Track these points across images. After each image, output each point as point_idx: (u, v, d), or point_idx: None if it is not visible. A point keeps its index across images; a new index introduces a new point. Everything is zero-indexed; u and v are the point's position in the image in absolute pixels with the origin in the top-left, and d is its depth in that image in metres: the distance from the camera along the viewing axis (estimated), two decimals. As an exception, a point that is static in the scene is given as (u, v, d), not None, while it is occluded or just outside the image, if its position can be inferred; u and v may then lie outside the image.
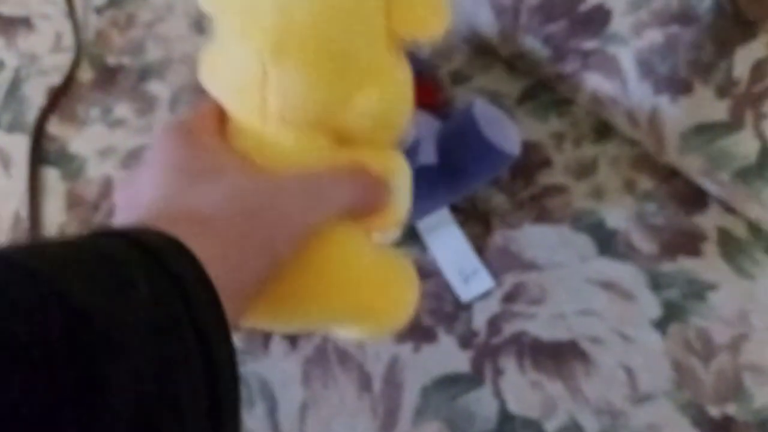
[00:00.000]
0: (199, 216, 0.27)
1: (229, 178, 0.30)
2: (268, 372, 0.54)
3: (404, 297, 0.36)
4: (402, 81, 0.33)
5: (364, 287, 0.34)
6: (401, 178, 0.35)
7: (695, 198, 0.59)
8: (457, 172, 0.52)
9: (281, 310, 0.32)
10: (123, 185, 0.34)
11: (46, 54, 0.73)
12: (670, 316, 0.54)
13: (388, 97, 0.32)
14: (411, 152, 0.47)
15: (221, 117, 0.34)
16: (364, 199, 0.33)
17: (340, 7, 0.29)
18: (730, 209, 0.58)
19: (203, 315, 0.23)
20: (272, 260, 0.29)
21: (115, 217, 0.32)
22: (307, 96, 0.30)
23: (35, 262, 0.20)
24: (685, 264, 0.56)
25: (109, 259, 0.22)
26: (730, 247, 0.56)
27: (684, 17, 0.52)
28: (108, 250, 0.23)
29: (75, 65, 0.72)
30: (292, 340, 0.55)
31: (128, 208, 0.31)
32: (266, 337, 0.55)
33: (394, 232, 0.39)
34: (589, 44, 0.58)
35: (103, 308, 0.20)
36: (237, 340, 0.56)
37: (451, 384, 0.53)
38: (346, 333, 0.37)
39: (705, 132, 0.53)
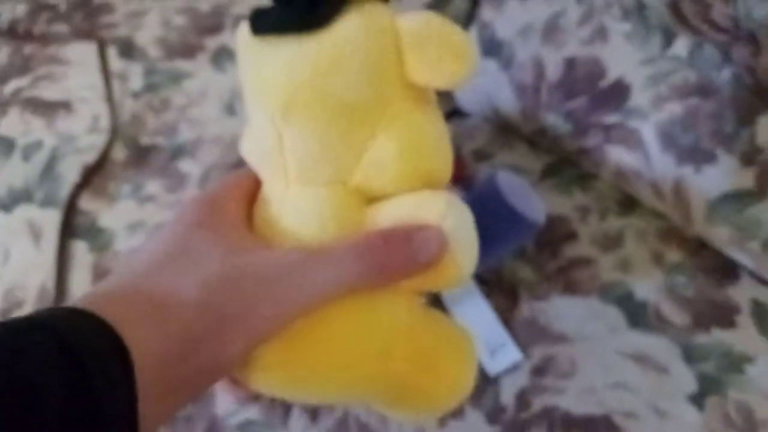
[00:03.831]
0: (162, 300, 0.27)
1: (208, 264, 0.28)
2: (288, 447, 0.53)
3: (454, 373, 0.32)
4: (424, 126, 0.30)
5: (399, 361, 0.30)
6: (454, 220, 0.29)
7: (726, 270, 0.58)
8: (483, 240, 0.51)
9: (296, 381, 0.30)
10: (136, 247, 0.34)
11: (82, 134, 0.76)
12: (706, 390, 0.52)
13: (405, 143, 0.29)
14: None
15: (249, 187, 0.33)
16: (382, 270, 0.29)
17: (343, 61, 0.28)
18: (762, 280, 0.57)
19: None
20: (225, 354, 0.27)
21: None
22: (319, 153, 0.30)
23: None
24: (720, 336, 0.54)
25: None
26: (766, 319, 0.54)
27: (703, 90, 0.54)
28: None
29: (109, 145, 0.74)
30: (313, 413, 0.54)
31: (117, 272, 0.30)
32: (286, 410, 0.54)
33: (460, 284, 0.32)
34: (611, 118, 0.59)
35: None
36: (256, 411, 0.55)
37: (479, 462, 0.51)
38: (391, 413, 0.34)
39: (732, 201, 0.53)
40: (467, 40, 0.28)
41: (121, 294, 0.27)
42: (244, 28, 0.31)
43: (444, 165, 0.31)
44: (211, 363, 0.27)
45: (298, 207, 0.30)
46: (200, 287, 0.27)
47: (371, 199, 0.31)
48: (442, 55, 0.28)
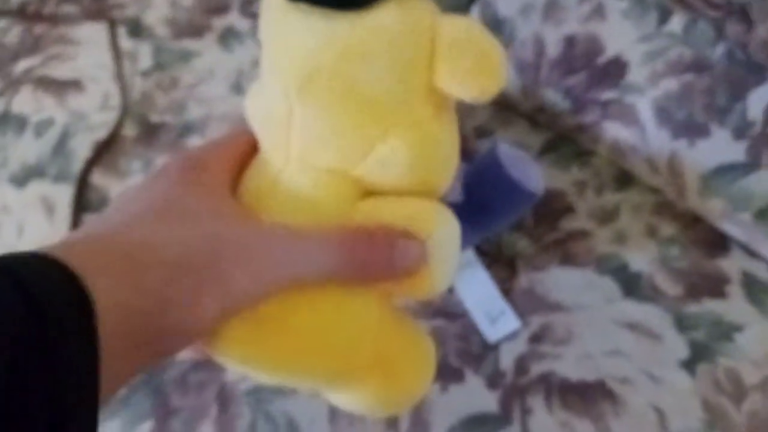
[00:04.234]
0: (137, 253, 0.26)
1: (192, 225, 0.28)
2: (295, 410, 0.55)
3: (411, 380, 0.32)
4: (439, 137, 0.29)
5: (361, 360, 0.30)
6: (441, 236, 0.29)
7: (717, 243, 0.59)
8: (483, 210, 0.54)
9: (256, 360, 0.30)
10: (118, 195, 0.32)
11: (93, 112, 0.78)
12: (698, 357, 0.54)
13: (418, 152, 0.28)
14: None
15: (239, 149, 0.32)
16: (360, 267, 0.29)
17: (374, 54, 0.27)
18: (752, 253, 0.58)
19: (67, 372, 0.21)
20: (197, 319, 0.26)
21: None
22: (328, 140, 0.29)
23: None
24: (710, 306, 0.56)
25: None
26: (755, 289, 0.56)
27: (698, 66, 0.55)
28: None
29: (120, 122, 0.76)
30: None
31: (93, 221, 0.30)
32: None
33: (431, 296, 0.32)
34: (608, 95, 0.60)
35: None
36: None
37: (479, 424, 0.53)
38: (341, 402, 0.33)
39: (724, 173, 0.55)
40: (503, 57, 0.27)
41: (93, 243, 0.26)
42: None
43: (449, 176, 0.31)
44: (180, 325, 0.26)
45: (294, 186, 0.30)
46: (181, 246, 0.26)
47: (368, 192, 0.30)
48: (476, 68, 0.27)
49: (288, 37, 0.28)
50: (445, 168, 0.30)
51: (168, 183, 0.30)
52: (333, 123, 0.28)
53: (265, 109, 0.30)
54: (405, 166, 0.28)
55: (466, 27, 0.27)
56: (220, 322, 0.27)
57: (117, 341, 0.23)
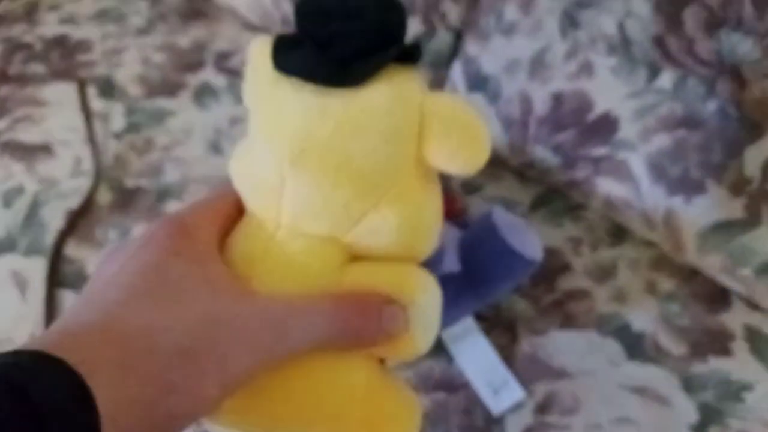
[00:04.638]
0: (135, 341, 0.25)
1: (189, 305, 0.27)
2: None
3: None
4: (426, 206, 0.31)
5: (350, 423, 0.31)
6: (424, 302, 0.31)
7: (718, 296, 0.59)
8: (481, 279, 0.52)
9: (247, 427, 0.31)
10: (102, 264, 0.31)
11: (65, 178, 0.75)
12: (708, 420, 0.52)
13: (407, 221, 0.30)
14: (435, 261, 0.48)
15: (224, 212, 0.32)
16: (353, 334, 0.30)
17: (367, 128, 0.28)
18: (753, 306, 0.58)
19: None
20: (199, 401, 0.26)
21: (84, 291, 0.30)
22: (320, 209, 0.29)
23: None
24: (717, 364, 0.55)
25: None
26: (760, 345, 0.55)
27: (690, 122, 0.55)
28: None
29: (93, 188, 0.73)
30: None
31: (85, 303, 0.29)
32: None
33: (411, 359, 0.32)
34: (599, 151, 0.60)
35: None
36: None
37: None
38: None
39: (723, 230, 0.54)
40: (487, 132, 0.29)
41: (88, 334, 0.25)
42: (263, 46, 0.30)
43: (433, 242, 0.32)
44: (183, 409, 0.26)
45: (286, 253, 0.30)
46: (179, 331, 0.26)
47: (357, 257, 0.31)
48: (463, 144, 0.28)
49: (280, 108, 0.29)
50: (430, 234, 0.31)
51: (158, 252, 0.29)
52: (325, 194, 0.29)
53: (256, 176, 0.31)
54: (394, 233, 0.30)
55: (453, 104, 0.29)
56: (222, 400, 0.27)
57: None
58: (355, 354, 0.31)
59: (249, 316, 0.28)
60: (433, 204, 0.31)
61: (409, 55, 0.29)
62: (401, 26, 0.29)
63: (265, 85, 0.30)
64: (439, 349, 0.57)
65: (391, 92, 0.28)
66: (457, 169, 0.29)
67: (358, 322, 0.29)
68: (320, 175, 0.29)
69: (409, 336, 0.30)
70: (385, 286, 0.30)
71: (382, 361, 0.33)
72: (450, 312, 0.54)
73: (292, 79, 0.28)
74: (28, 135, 0.80)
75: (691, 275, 0.60)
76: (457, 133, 0.28)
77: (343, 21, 0.28)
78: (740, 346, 0.56)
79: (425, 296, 0.31)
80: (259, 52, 0.30)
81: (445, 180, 0.69)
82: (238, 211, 0.32)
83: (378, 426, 0.31)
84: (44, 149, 0.78)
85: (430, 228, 0.31)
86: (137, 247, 0.30)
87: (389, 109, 0.28)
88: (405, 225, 0.30)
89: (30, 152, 0.78)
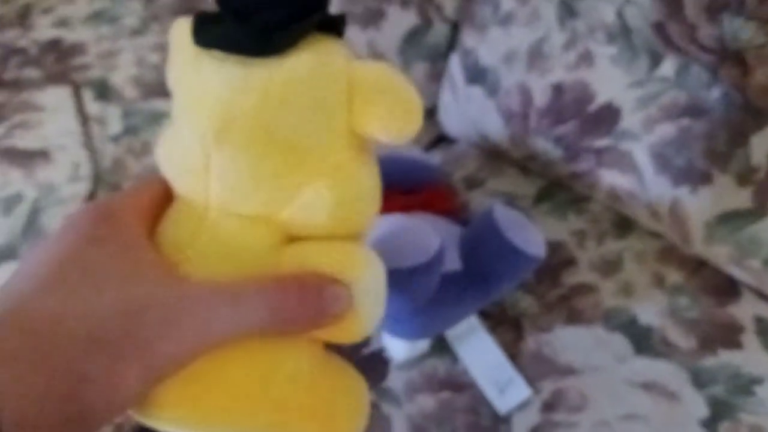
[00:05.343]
0: (46, 330, 0.24)
1: (108, 291, 0.26)
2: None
3: (346, 426, 0.31)
4: (361, 179, 0.30)
5: (295, 411, 0.29)
6: (367, 278, 0.29)
7: (727, 288, 0.57)
8: (484, 277, 0.51)
9: (188, 421, 0.29)
10: (24, 256, 0.30)
11: (64, 184, 0.74)
12: (718, 415, 0.51)
13: (343, 195, 0.29)
14: (436, 260, 0.47)
15: (152, 198, 0.31)
16: (291, 318, 0.28)
17: (292, 99, 0.27)
18: (764, 297, 0.56)
19: None
20: (118, 392, 0.25)
21: None
22: (250, 186, 0.28)
23: None
24: (727, 357, 0.54)
25: None
26: (771, 337, 0.54)
27: (694, 110, 0.53)
28: None
29: (92, 193, 0.72)
30: None
31: (1, 293, 0.27)
32: None
33: (359, 339, 0.31)
34: (602, 142, 0.58)
35: None
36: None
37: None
38: None
39: (730, 220, 0.53)
40: (418, 98, 0.28)
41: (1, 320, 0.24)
42: (183, 26, 0.28)
43: (371, 217, 0.31)
44: (100, 402, 0.24)
45: (216, 235, 0.29)
46: (95, 318, 0.25)
47: (293, 237, 0.30)
48: (393, 111, 0.28)
49: (202, 83, 0.28)
50: (368, 209, 0.30)
51: (78, 239, 0.28)
52: (254, 170, 0.28)
53: (181, 157, 0.29)
54: (329, 209, 0.29)
55: (380, 71, 0.28)
56: (145, 391, 0.26)
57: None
58: (297, 338, 0.30)
59: (174, 302, 0.27)
60: (370, 176, 0.30)
61: (334, 26, 0.28)
62: None
63: (186, 61, 0.28)
64: (444, 348, 0.56)
65: (315, 61, 0.27)
66: (390, 138, 0.28)
67: (295, 305, 0.28)
68: (246, 149, 0.28)
69: (355, 315, 0.29)
70: (326, 266, 0.29)
71: (330, 346, 0.31)
72: (453, 311, 0.53)
73: (214, 53, 0.27)
74: (25, 141, 0.79)
75: (699, 267, 0.59)
76: (385, 100, 0.28)
77: None
78: (750, 339, 0.55)
79: (368, 272, 0.29)
80: (179, 33, 0.29)
81: (445, 176, 0.68)
82: (168, 196, 0.31)
83: (325, 413, 0.30)
84: (42, 155, 0.77)
85: (367, 202, 0.30)
86: (57, 236, 0.28)
87: (313, 78, 0.27)
88: (340, 199, 0.29)
89: (28, 158, 0.77)
